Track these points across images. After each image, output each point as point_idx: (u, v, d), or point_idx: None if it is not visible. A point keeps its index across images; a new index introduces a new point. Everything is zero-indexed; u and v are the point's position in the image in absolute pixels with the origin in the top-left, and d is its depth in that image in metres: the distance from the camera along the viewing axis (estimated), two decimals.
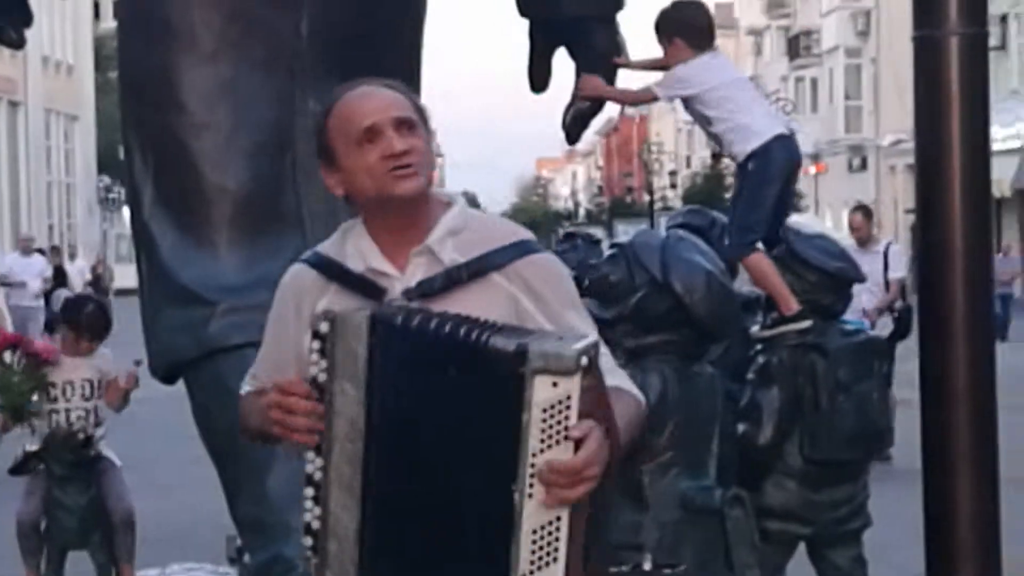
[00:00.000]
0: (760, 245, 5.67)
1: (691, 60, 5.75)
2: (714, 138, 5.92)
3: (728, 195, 42.36)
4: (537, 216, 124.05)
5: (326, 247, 3.09)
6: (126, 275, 30.69)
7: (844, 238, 10.74)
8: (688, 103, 5.84)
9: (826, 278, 5.58)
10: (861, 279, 5.90)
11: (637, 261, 5.05)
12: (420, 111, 3.02)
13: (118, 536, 7.26)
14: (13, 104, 49.72)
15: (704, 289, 4.97)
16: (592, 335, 2.85)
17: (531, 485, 2.70)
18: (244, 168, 5.18)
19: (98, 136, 54.74)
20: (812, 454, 5.45)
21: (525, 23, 5.92)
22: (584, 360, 2.69)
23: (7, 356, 7.24)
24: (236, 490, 5.02)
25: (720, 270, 5.11)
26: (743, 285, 6.03)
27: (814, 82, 57.10)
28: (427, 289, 2.93)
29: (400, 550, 2.83)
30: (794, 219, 6.96)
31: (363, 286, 2.97)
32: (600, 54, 5.89)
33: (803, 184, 55.57)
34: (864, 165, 53.34)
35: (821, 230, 7.24)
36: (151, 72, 5.30)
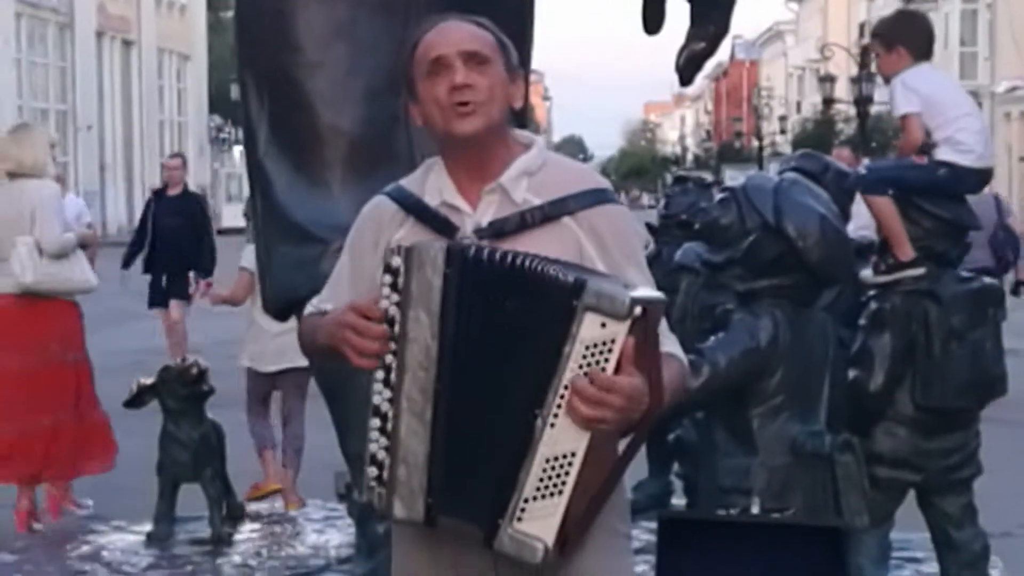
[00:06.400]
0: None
1: (911, 68, 5.69)
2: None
3: (838, 141, 41.64)
4: (644, 160, 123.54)
5: (408, 181, 3.13)
6: (234, 215, 30.81)
7: None
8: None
9: (941, 225, 5.52)
10: (977, 226, 5.83)
11: (749, 204, 5.01)
12: (504, 48, 3.03)
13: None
14: (127, 43, 50.28)
15: (818, 233, 4.93)
16: (658, 293, 2.86)
17: (555, 415, 2.73)
18: (358, 109, 5.20)
19: (210, 76, 55.22)
20: (924, 402, 5.41)
21: None
22: (637, 309, 2.71)
23: None
24: (346, 427, 5.08)
25: (834, 214, 5.06)
26: (858, 231, 5.98)
27: None
28: (500, 229, 2.96)
29: (465, 474, 2.86)
30: None
31: (437, 221, 3.01)
32: None
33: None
34: None
35: None
36: (266, 12, 5.33)
